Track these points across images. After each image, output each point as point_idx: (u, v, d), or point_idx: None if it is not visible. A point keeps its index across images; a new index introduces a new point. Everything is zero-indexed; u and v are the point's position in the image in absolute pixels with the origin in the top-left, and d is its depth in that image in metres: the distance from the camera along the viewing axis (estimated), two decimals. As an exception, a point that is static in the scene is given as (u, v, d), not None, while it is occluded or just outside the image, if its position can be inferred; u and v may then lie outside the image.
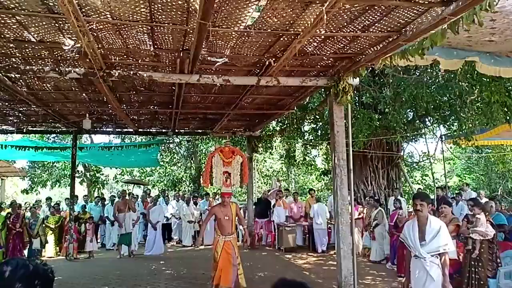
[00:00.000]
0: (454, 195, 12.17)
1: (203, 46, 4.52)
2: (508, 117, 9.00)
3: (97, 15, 3.83)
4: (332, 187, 6.48)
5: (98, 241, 12.53)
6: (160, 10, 3.73)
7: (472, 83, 8.50)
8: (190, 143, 19.93)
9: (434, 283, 4.20)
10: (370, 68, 6.60)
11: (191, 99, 7.64)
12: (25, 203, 15.65)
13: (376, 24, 4.18)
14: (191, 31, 4.18)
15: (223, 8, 3.67)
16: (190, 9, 3.68)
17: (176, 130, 11.12)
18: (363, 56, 5.08)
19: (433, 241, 4.24)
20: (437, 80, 9.58)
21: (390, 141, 12.06)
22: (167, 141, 18.34)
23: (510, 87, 8.54)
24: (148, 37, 4.44)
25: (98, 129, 10.63)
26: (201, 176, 7.08)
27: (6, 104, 7.58)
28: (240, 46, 4.76)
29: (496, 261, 5.89)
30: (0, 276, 1.34)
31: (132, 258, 10.52)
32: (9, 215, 10.83)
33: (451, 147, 13.64)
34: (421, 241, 4.31)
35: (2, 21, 3.99)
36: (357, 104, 11.79)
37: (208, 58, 5.06)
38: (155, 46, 4.71)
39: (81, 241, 11.15)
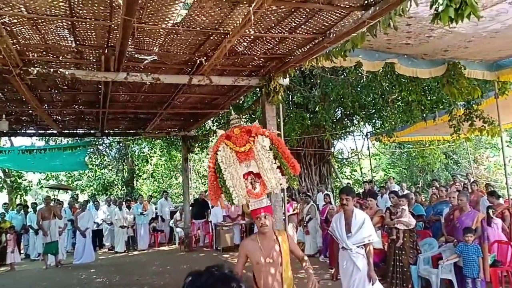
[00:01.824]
0: (380, 189, 13.02)
1: (130, 43, 4.36)
2: (424, 115, 9.82)
3: (9, 8, 3.53)
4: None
5: (21, 251, 11.58)
6: (81, 5, 3.54)
7: (393, 83, 9.15)
8: (121, 144, 19.11)
9: (360, 272, 4.45)
10: (300, 69, 6.82)
11: (120, 98, 7.33)
12: None
13: (302, 26, 4.34)
14: (115, 27, 4.01)
15: (148, 4, 3.57)
16: (114, 4, 3.53)
17: (105, 131, 10.59)
18: (292, 57, 5.24)
19: (358, 233, 4.49)
20: (362, 81, 10.18)
21: (321, 139, 12.58)
22: (96, 143, 17.40)
23: (426, 87, 9.31)
24: (69, 33, 4.18)
25: (17, 131, 9.78)
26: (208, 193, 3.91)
27: None
28: (169, 43, 4.67)
29: (416, 248, 6.37)
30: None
31: (60, 268, 9.86)
32: None
33: (374, 144, 14.55)
34: (347, 233, 4.55)
35: None
36: (289, 103, 12.14)
37: (136, 55, 4.88)
38: (77, 42, 4.45)
39: (1, 252, 10.23)
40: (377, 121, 13.06)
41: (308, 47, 4.91)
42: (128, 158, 19.87)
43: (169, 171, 22.92)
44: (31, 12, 3.63)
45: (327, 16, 4.11)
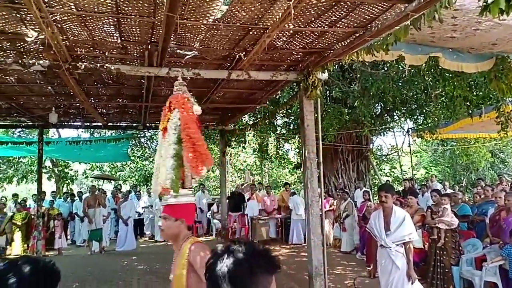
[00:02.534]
0: (421, 187, 12.62)
1: (172, 39, 4.47)
2: (470, 111, 9.39)
3: (60, 6, 3.72)
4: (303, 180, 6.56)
5: (68, 237, 12.26)
6: (126, 2, 3.67)
7: (437, 78, 8.81)
8: (162, 137, 19.65)
9: (399, 271, 4.37)
10: (339, 63, 6.72)
11: (161, 92, 7.53)
12: (-11, 200, 15.07)
13: (343, 20, 4.26)
14: (159, 24, 4.13)
15: (190, 0, 3.64)
16: (157, 1, 3.63)
17: (147, 124, 10.95)
18: (331, 51, 5.16)
19: (398, 231, 4.41)
20: (403, 75, 9.87)
21: (360, 134, 12.34)
22: (138, 136, 18.04)
23: (472, 82, 8.90)
24: (114, 29, 4.35)
25: (65, 123, 10.31)
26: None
27: (-34, 97, 7.25)
28: (210, 39, 4.74)
29: (458, 249, 6.17)
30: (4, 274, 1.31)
31: (103, 254, 10.36)
32: (-28, 212, 10.47)
33: (415, 140, 14.10)
34: (386, 231, 4.48)
35: (-41, 10, 3.82)
36: (327, 98, 11.99)
37: (177, 51, 5.00)
38: (122, 38, 4.62)
39: (50, 238, 10.88)
40: (419, 117, 12.64)
41: (348, 41, 4.82)
42: (168, 151, 20.42)
43: (207, 164, 23.32)
44: (80, 9, 3.81)
45: (369, 9, 4.02)
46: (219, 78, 6.23)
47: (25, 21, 4.08)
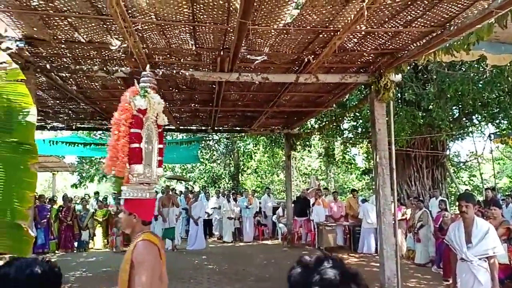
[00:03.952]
0: (505, 197, 11.54)
1: (243, 44, 4.59)
2: None
3: (142, 16, 4.00)
4: (373, 187, 6.33)
5: (143, 235, 13.00)
6: (202, 10, 3.84)
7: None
8: (228, 140, 20.21)
9: (481, 286, 4.04)
10: (413, 64, 6.40)
11: (230, 97, 7.76)
12: (74, 196, 16.55)
13: (419, 19, 4.08)
14: (231, 30, 4.26)
15: (263, 6, 3.71)
16: (231, 8, 3.76)
17: (216, 128, 11.31)
18: (405, 51, 4.96)
19: (481, 244, 4.08)
20: (485, 76, 9.12)
21: (435, 139, 11.62)
22: (207, 139, 18.70)
23: None
24: (190, 37, 4.57)
25: (142, 126, 11.00)
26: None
27: (58, 102, 8.04)
28: (279, 43, 4.79)
29: (550, 266, 5.55)
30: (5, 277, 1.29)
31: (175, 252, 10.83)
32: (61, 208, 11.55)
33: (498, 147, 12.94)
34: (468, 244, 4.16)
35: (55, 23, 4.26)
36: (399, 101, 11.46)
37: (248, 56, 5.12)
38: (197, 45, 4.84)
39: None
40: (502, 121, 11.59)
41: (424, 40, 4.60)
42: (234, 154, 20.92)
43: (271, 167, 23.52)
44: (159, 18, 4.06)
45: (447, 7, 3.80)
46: (287, 82, 6.26)
47: (110, 31, 4.44)
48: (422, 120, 10.22)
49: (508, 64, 6.30)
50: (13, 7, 3.86)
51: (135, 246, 2.34)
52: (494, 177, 13.47)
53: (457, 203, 4.61)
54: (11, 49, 4.49)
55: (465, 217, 4.22)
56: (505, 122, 11.45)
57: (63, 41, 4.73)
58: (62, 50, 5.09)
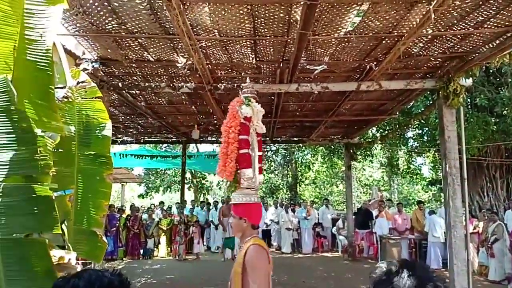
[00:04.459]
0: None
1: (303, 55, 4.61)
2: None
3: (206, 33, 4.18)
4: (442, 198, 5.98)
5: (204, 243, 13.35)
6: (263, 24, 3.92)
7: None
8: (286, 151, 20.19)
9: None
10: (485, 67, 6.00)
11: (289, 107, 7.78)
12: (141, 206, 17.43)
13: (491, 20, 3.84)
14: (291, 42, 4.30)
15: (323, 16, 3.71)
16: (291, 20, 3.79)
17: (274, 139, 11.37)
18: (476, 54, 4.67)
19: None
20: None
21: (510, 147, 10.72)
22: (265, 149, 18.84)
23: None
24: (251, 51, 4.68)
25: (204, 138, 11.39)
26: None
27: (128, 117, 8.59)
28: (340, 52, 4.74)
29: None
30: None
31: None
32: (129, 217, 12.22)
33: None
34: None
35: (127, 44, 4.58)
36: (469, 106, 10.76)
37: (307, 66, 5.13)
38: (257, 59, 4.94)
39: (189, 242, 12.01)
40: None
41: (498, 42, 4.31)
42: (292, 164, 20.85)
43: (330, 178, 23.09)
44: (222, 35, 4.21)
45: (525, 4, 3.53)
46: (347, 90, 6.15)
47: (177, 49, 4.68)
48: (495, 127, 9.49)
49: None
50: (90, 31, 4.22)
51: (247, 250, 2.41)
52: None
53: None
54: (87, 69, 4.89)
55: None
56: None
57: (133, 61, 5.06)
58: (132, 69, 5.45)
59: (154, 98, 7.09)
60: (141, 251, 11.97)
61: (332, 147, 16.45)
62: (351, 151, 11.72)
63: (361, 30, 4.06)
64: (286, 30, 4.05)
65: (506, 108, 9.08)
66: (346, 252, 11.53)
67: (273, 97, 6.80)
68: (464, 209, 5.60)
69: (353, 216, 11.85)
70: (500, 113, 9.72)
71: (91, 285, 1.25)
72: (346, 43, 4.46)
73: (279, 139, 12.08)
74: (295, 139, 11.96)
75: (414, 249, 10.95)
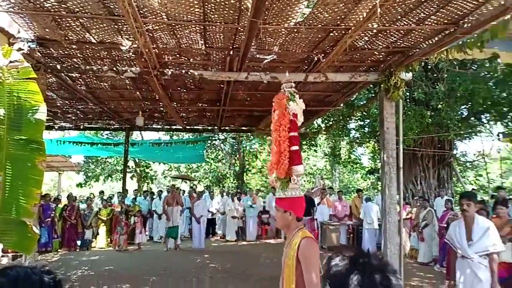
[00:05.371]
0: (511, 197, 11.46)
1: (253, 44, 4.57)
2: None
3: (153, 16, 3.99)
4: (379, 186, 6.30)
5: (146, 233, 13.04)
6: (213, 10, 3.82)
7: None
8: (234, 140, 20.20)
9: (481, 283, 4.08)
10: (423, 63, 6.35)
11: (238, 96, 7.73)
12: (79, 196, 16.60)
13: (432, 17, 4.03)
14: (241, 30, 4.24)
15: (274, 5, 3.69)
16: (242, 7, 3.73)
17: (222, 127, 11.29)
18: (417, 50, 4.91)
19: (481, 241, 4.16)
20: (496, 75, 9.04)
21: (442, 139, 11.57)
22: (213, 138, 18.69)
23: None
24: (200, 37, 4.56)
25: (149, 126, 11.03)
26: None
27: (66, 102, 8.07)
28: (289, 42, 4.77)
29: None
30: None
31: (178, 251, 10.83)
32: (65, 207, 11.58)
33: (507, 146, 12.84)
34: (468, 241, 4.22)
35: (68, 24, 4.27)
36: (408, 100, 11.42)
37: (257, 55, 5.10)
38: (207, 45, 4.82)
39: (131, 233, 11.67)
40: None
41: (437, 38, 4.55)
42: (240, 154, 20.93)
43: (277, 167, 23.48)
44: (170, 18, 4.05)
45: (462, 4, 3.75)
46: (296, 81, 6.21)
47: (121, 32, 4.44)
48: (430, 119, 10.16)
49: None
50: (27, 8, 3.86)
51: (300, 243, 2.44)
52: (501, 176, 13.39)
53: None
54: (23, 49, 4.50)
55: (466, 215, 4.31)
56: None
57: (74, 42, 4.73)
58: (73, 50, 5.10)
59: (95, 82, 6.70)
60: (78, 242, 11.42)
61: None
62: (297, 141, 11.95)
63: (310, 22, 4.10)
64: (237, 17, 3.98)
65: (441, 102, 9.72)
66: (290, 239, 11.83)
67: (222, 85, 6.72)
68: (399, 196, 5.94)
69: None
70: (435, 107, 10.41)
71: (17, 283, 1.17)
72: (296, 34, 4.48)
73: (227, 128, 12.01)
74: (243, 128, 11.96)
75: (352, 235, 11.52)
